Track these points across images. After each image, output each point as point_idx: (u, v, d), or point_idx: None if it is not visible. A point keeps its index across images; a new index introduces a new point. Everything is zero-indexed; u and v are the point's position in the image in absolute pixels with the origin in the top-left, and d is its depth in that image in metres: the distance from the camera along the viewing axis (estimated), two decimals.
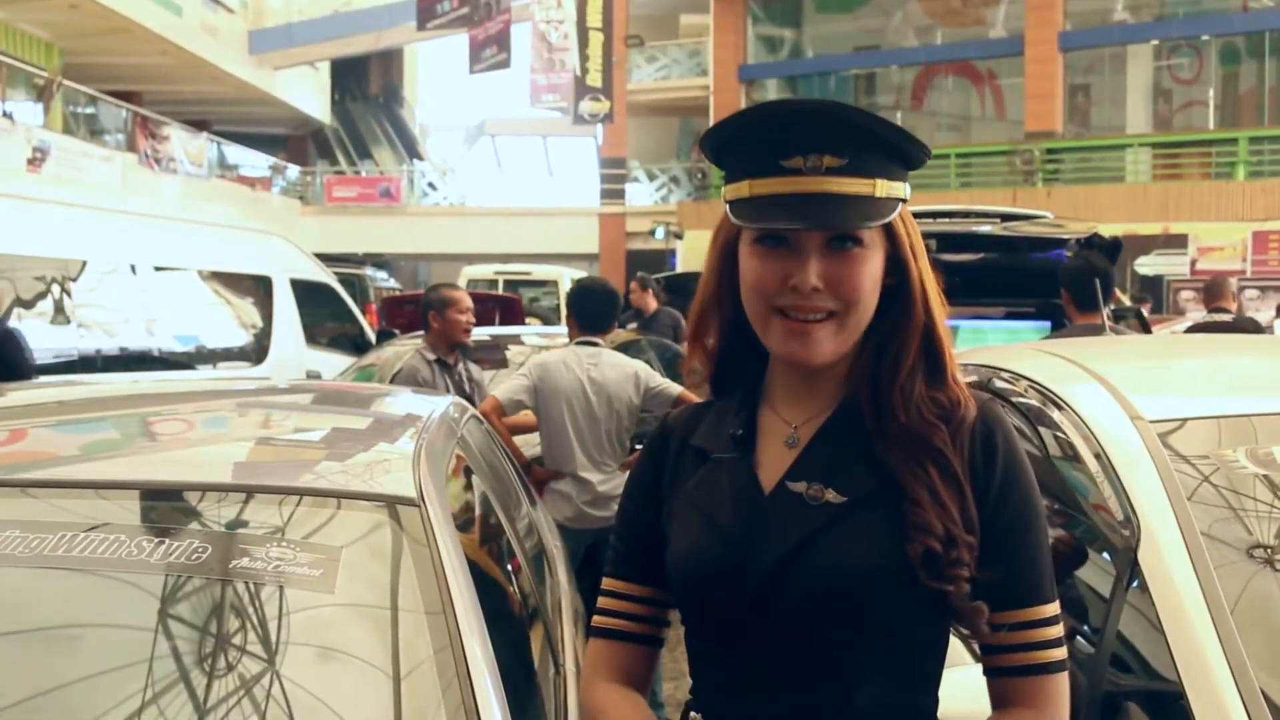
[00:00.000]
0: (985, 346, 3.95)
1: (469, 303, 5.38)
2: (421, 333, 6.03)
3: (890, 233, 1.37)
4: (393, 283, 23.65)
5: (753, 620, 1.33)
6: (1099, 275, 4.63)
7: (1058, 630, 1.35)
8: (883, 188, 1.34)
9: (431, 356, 5.26)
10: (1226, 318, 7.78)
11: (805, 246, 1.33)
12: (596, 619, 1.51)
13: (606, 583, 1.52)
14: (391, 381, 5.18)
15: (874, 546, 1.30)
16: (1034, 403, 2.33)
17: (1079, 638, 2.01)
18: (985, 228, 5.76)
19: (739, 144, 1.38)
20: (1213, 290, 8.26)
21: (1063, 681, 1.34)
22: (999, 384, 2.51)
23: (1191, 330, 7.90)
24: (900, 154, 1.36)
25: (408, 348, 7.43)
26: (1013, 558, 1.34)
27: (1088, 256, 4.92)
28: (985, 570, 1.32)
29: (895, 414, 1.35)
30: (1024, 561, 1.34)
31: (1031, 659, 1.33)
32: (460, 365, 5.40)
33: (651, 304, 9.32)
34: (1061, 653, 1.35)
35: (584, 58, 25.34)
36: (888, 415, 1.35)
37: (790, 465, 1.38)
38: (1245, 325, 7.53)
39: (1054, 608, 1.35)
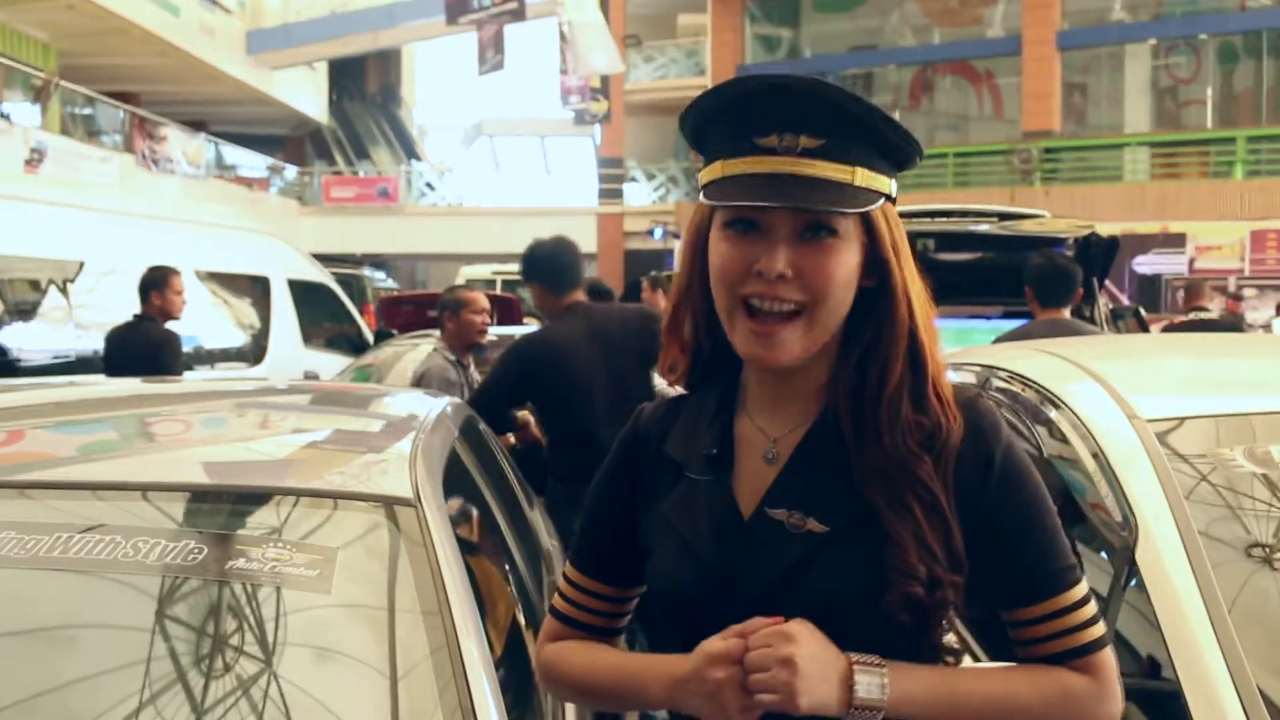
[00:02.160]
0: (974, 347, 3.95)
1: (484, 303, 5.41)
2: (420, 333, 6.04)
3: (870, 227, 1.29)
4: (391, 283, 23.65)
5: None
6: (1061, 273, 4.70)
7: (1091, 609, 1.30)
8: (863, 177, 1.27)
9: (452, 357, 5.29)
10: (1211, 315, 8.13)
11: (775, 232, 1.26)
12: (556, 600, 1.50)
13: (567, 569, 1.50)
14: (417, 381, 5.19)
15: (859, 579, 1.25)
16: (1031, 401, 2.33)
17: None
18: (983, 227, 5.77)
19: (716, 122, 1.32)
20: (1191, 291, 8.80)
21: (1108, 655, 1.29)
22: (996, 383, 2.51)
23: (1169, 329, 8.13)
24: (885, 144, 1.29)
25: (405, 347, 7.44)
26: (1029, 553, 1.29)
27: (1050, 255, 5.00)
28: (1005, 570, 1.29)
29: (880, 436, 1.28)
30: (1041, 553, 1.29)
31: (1071, 643, 1.28)
32: (473, 367, 5.43)
33: (661, 302, 9.30)
34: (1099, 629, 1.29)
35: None
36: (870, 437, 1.28)
37: (769, 487, 1.33)
38: (1231, 324, 7.99)
39: (1082, 588, 1.30)
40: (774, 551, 1.30)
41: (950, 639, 1.32)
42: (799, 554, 1.29)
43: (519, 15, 21.84)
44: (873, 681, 1.21)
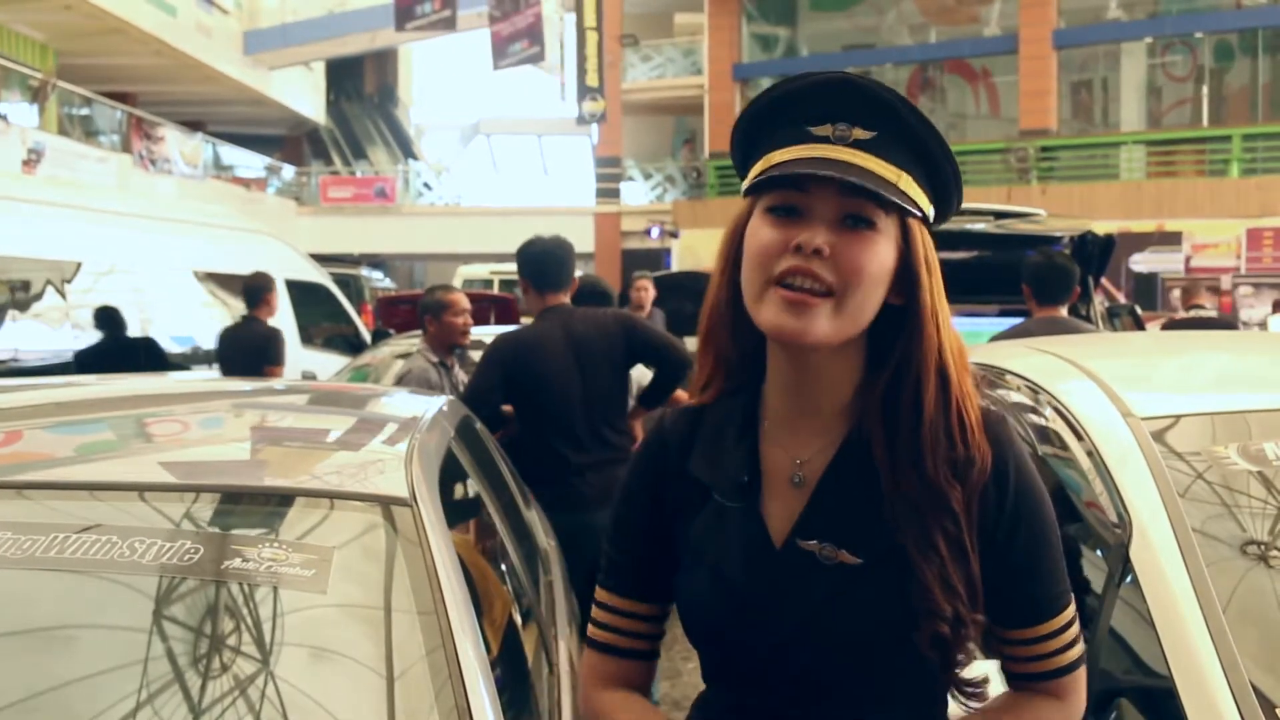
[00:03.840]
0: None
1: (466, 304, 5.38)
2: (417, 332, 6.02)
3: (906, 235, 1.29)
4: (388, 283, 23.67)
5: (770, 668, 1.32)
6: (1058, 271, 4.71)
7: (1076, 628, 1.35)
8: (906, 183, 1.28)
9: (434, 359, 5.27)
10: (1210, 314, 8.60)
11: (817, 215, 1.26)
12: (592, 630, 1.47)
13: (601, 594, 1.46)
14: (397, 384, 5.17)
15: (892, 613, 1.27)
16: (1026, 400, 2.33)
17: None
18: (979, 225, 5.78)
19: (769, 120, 1.32)
20: (1190, 290, 9.56)
21: (1081, 674, 1.36)
22: (992, 380, 2.51)
23: (1169, 327, 8.34)
24: (929, 159, 1.30)
25: (403, 348, 7.44)
26: (1031, 582, 1.33)
27: (1048, 253, 5.01)
28: (1006, 594, 1.32)
29: (919, 461, 1.28)
30: (1042, 582, 1.33)
31: (1053, 664, 1.34)
32: (456, 368, 5.40)
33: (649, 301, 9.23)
34: (1079, 649, 1.35)
35: (581, 58, 25.35)
36: (906, 465, 1.28)
37: (799, 515, 1.33)
38: (1227, 322, 8.64)
39: (1071, 609, 1.35)
40: (807, 583, 1.30)
41: (979, 672, 1.34)
42: (833, 586, 1.29)
43: (450, 24, 22.11)
44: None
